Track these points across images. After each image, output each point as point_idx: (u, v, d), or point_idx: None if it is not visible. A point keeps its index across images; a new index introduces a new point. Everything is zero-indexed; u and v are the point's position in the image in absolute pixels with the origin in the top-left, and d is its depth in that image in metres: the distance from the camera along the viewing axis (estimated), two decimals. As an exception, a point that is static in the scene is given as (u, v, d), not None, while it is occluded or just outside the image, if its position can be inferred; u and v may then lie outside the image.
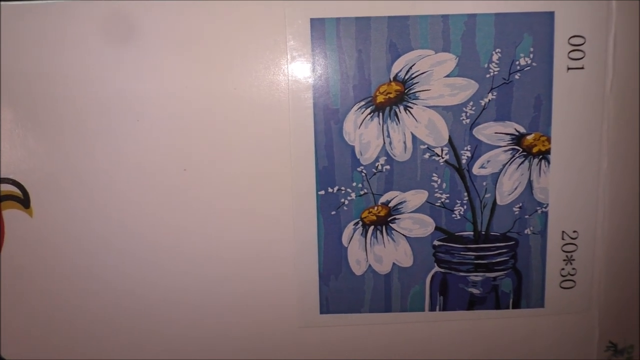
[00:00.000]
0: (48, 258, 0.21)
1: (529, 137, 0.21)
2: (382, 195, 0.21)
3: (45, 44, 0.20)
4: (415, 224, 0.21)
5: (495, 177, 0.21)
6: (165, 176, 0.21)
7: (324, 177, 0.21)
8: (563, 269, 0.22)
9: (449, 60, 0.20)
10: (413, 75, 0.20)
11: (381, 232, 0.21)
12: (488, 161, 0.21)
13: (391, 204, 0.21)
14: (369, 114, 0.20)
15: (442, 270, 0.22)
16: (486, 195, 0.21)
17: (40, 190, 0.21)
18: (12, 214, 0.21)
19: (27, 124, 0.21)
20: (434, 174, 0.21)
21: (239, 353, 0.22)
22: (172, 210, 0.21)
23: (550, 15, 0.20)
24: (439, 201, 0.21)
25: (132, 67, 0.20)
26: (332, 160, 0.21)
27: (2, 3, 0.20)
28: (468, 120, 0.21)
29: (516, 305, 0.22)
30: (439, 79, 0.20)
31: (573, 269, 0.22)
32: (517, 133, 0.21)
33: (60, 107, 0.20)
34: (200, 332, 0.22)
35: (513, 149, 0.21)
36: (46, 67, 0.20)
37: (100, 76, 0.20)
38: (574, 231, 0.21)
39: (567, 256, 0.22)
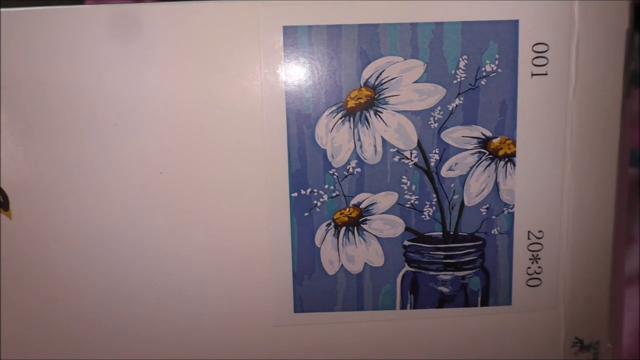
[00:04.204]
0: (28, 259, 0.22)
1: (495, 141, 0.21)
2: (353, 197, 0.22)
3: (23, 48, 0.21)
4: (386, 225, 0.22)
5: (463, 179, 0.22)
6: (142, 179, 0.21)
7: (297, 179, 0.21)
8: (529, 267, 0.22)
9: (418, 67, 0.21)
10: (383, 81, 0.21)
11: (353, 232, 0.22)
12: (456, 164, 0.22)
13: (362, 206, 0.22)
14: (340, 118, 0.21)
15: (413, 269, 0.22)
16: (454, 197, 0.22)
17: (19, 192, 0.21)
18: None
19: (6, 127, 0.21)
20: (404, 176, 0.22)
21: (214, 352, 0.23)
22: (147, 212, 0.21)
23: (514, 24, 0.21)
24: (409, 202, 0.22)
25: (108, 70, 0.21)
26: (305, 163, 0.21)
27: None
28: (436, 125, 0.21)
29: (484, 303, 0.23)
30: (408, 85, 0.21)
31: (539, 267, 0.22)
32: (483, 137, 0.21)
33: (37, 110, 0.21)
34: (175, 332, 0.22)
35: (480, 152, 0.21)
36: (25, 71, 0.21)
37: (76, 80, 0.21)
38: (540, 231, 0.22)
39: (533, 255, 0.22)
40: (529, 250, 0.22)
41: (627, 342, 0.28)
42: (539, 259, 0.22)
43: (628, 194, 0.24)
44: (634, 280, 0.30)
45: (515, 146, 0.21)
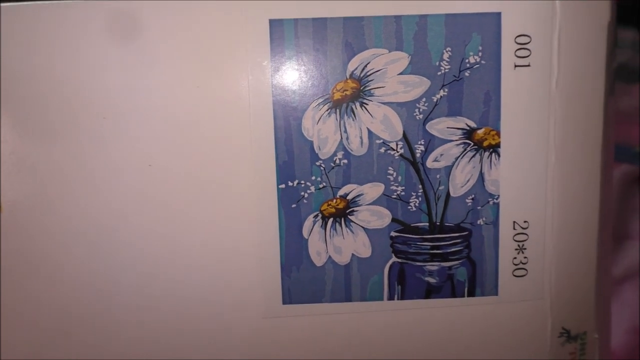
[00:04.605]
0: (17, 252, 0.22)
1: (480, 132, 0.22)
2: (340, 188, 0.22)
3: (23, 43, 0.21)
4: (373, 216, 0.22)
5: (448, 170, 0.22)
6: (130, 173, 0.21)
7: (284, 171, 0.22)
8: (515, 257, 0.23)
9: (402, 59, 0.21)
10: (368, 73, 0.21)
11: (340, 224, 0.22)
12: (441, 155, 0.22)
13: (349, 197, 0.22)
14: (327, 110, 0.21)
15: (400, 260, 0.22)
16: (440, 188, 0.22)
17: (9, 186, 0.21)
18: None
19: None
20: (390, 168, 0.22)
21: (202, 345, 0.23)
22: (135, 206, 0.22)
23: (497, 16, 0.21)
24: (395, 194, 0.22)
25: (96, 62, 0.21)
26: (292, 155, 0.21)
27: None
28: (421, 116, 0.21)
29: (471, 294, 0.23)
30: (393, 77, 0.21)
31: (525, 257, 0.23)
32: (468, 128, 0.22)
33: (32, 105, 0.21)
34: (162, 324, 0.22)
35: (465, 142, 0.22)
36: (19, 64, 0.21)
37: (64, 72, 0.21)
38: (525, 221, 0.22)
39: (518, 245, 0.23)
40: (515, 240, 0.23)
41: (626, 340, 0.28)
42: (525, 249, 0.23)
43: (625, 189, 0.24)
44: (633, 276, 0.30)
45: (499, 137, 0.22)
